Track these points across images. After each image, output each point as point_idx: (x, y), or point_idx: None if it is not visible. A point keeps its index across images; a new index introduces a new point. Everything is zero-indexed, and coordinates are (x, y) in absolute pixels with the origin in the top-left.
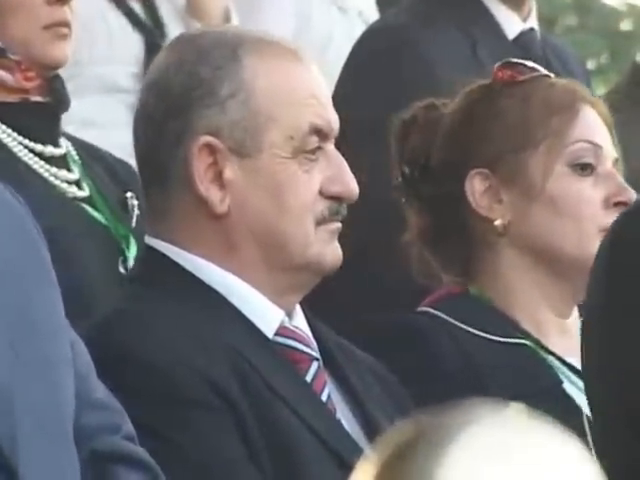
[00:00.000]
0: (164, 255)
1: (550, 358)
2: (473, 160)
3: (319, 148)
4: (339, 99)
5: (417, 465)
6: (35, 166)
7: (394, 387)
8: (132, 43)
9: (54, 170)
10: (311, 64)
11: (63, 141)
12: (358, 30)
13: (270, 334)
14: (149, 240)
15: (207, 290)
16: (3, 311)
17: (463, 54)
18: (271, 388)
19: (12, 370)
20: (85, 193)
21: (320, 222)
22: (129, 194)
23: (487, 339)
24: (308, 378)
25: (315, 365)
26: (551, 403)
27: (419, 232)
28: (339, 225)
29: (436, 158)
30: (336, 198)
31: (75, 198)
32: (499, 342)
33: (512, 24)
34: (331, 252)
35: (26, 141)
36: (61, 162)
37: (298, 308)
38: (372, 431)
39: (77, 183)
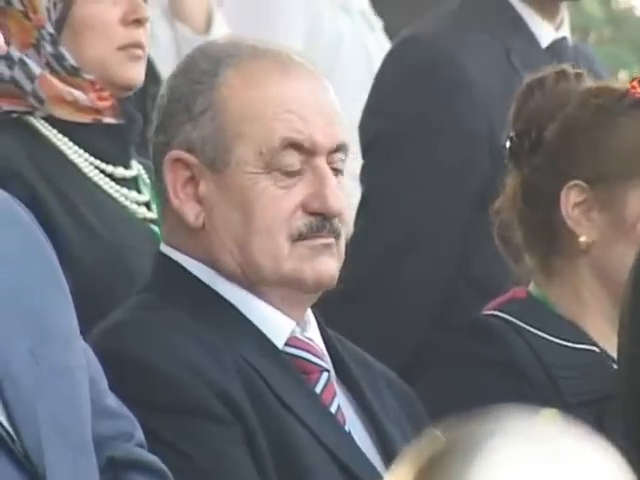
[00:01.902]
0: (177, 264)
1: (615, 367)
2: (579, 168)
3: (305, 163)
4: (371, 109)
5: (449, 473)
6: (105, 187)
7: (410, 399)
8: None
9: (124, 191)
10: (302, 78)
11: (135, 163)
12: (364, 31)
13: (280, 344)
14: (164, 249)
15: (218, 300)
16: (20, 319)
17: (497, 62)
18: (280, 400)
19: (33, 377)
20: (154, 215)
21: (297, 238)
22: None
23: (557, 343)
24: (317, 389)
25: (325, 376)
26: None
27: (514, 202)
28: (327, 241)
29: (548, 143)
30: (320, 214)
31: (145, 219)
32: (569, 347)
33: (545, 33)
34: (312, 268)
35: (97, 162)
36: (132, 184)
37: (312, 319)
38: (384, 443)
39: (147, 205)
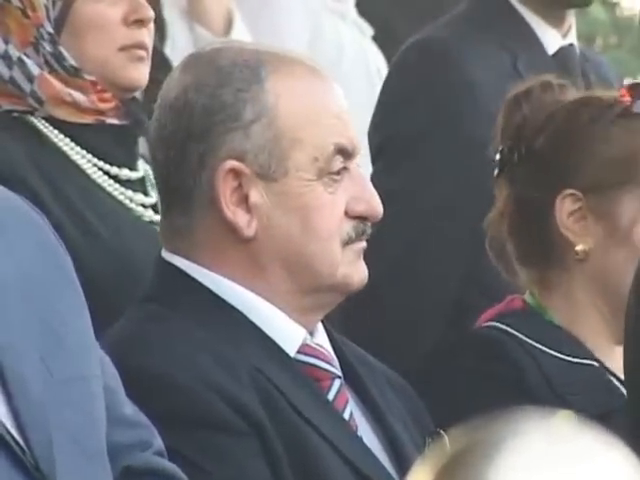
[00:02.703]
0: (182, 272)
1: (615, 381)
2: (572, 178)
3: (344, 168)
4: (381, 114)
5: (469, 474)
6: (110, 189)
7: (413, 401)
8: None
9: (129, 193)
10: (332, 82)
11: (142, 164)
12: (358, 36)
13: (292, 352)
14: (166, 256)
15: (228, 309)
16: (33, 327)
17: (503, 68)
18: (295, 409)
19: (45, 386)
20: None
21: (346, 242)
22: None
23: (557, 357)
24: (330, 396)
25: (337, 383)
26: (623, 424)
27: (504, 212)
28: (364, 244)
29: (539, 154)
30: (361, 218)
31: (151, 222)
32: (571, 362)
33: (552, 40)
34: (357, 272)
35: (101, 163)
36: (138, 185)
37: (320, 325)
38: (392, 446)
39: (154, 207)
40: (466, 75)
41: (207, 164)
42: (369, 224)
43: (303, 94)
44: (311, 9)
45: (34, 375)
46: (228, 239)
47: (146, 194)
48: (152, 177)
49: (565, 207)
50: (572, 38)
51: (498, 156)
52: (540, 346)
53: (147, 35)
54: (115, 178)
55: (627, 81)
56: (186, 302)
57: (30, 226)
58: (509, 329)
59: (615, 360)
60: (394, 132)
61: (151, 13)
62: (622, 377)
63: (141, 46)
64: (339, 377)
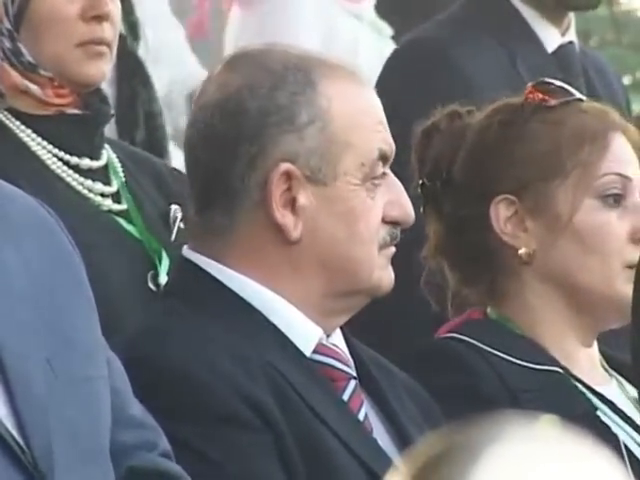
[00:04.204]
0: (202, 269)
1: (580, 386)
2: (499, 184)
3: (383, 173)
4: None
5: (449, 477)
6: (68, 179)
7: (427, 404)
8: None
9: (89, 183)
10: (370, 86)
11: (106, 152)
12: (376, 39)
13: (308, 352)
14: (187, 253)
15: (245, 307)
16: (37, 327)
17: (502, 67)
18: (310, 408)
19: (48, 386)
20: (122, 206)
21: (382, 247)
22: (174, 207)
23: (518, 365)
24: (345, 397)
25: (352, 384)
26: (588, 430)
27: (438, 245)
28: (394, 249)
29: (460, 175)
30: (394, 223)
31: (110, 211)
32: (530, 368)
33: (551, 38)
34: (388, 276)
35: (61, 153)
36: (99, 175)
37: None
38: (406, 449)
39: (115, 196)
40: (464, 75)
41: (258, 166)
42: (399, 229)
43: (352, 99)
44: (324, 9)
45: (38, 376)
46: (271, 241)
47: (108, 182)
48: (117, 166)
49: (500, 214)
50: (571, 35)
51: (420, 190)
52: (499, 354)
53: (107, 30)
54: (75, 168)
55: (626, 79)
56: (204, 299)
57: (41, 227)
58: (467, 338)
59: (582, 365)
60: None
61: (109, 8)
62: (588, 382)
63: (99, 42)
64: (354, 378)
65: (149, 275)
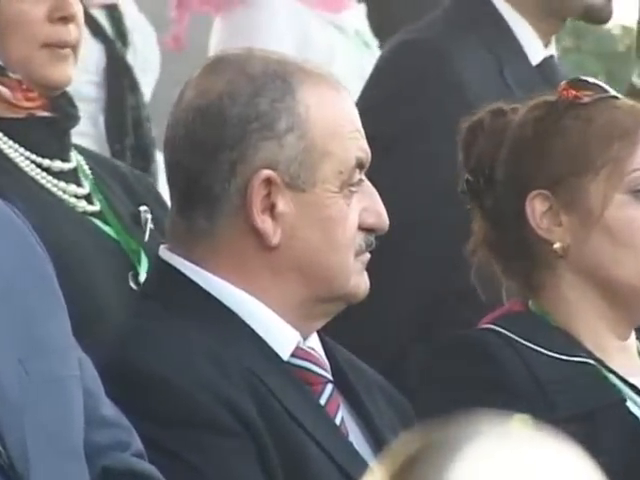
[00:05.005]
0: (180, 272)
1: (612, 377)
2: (535, 179)
3: (360, 180)
4: (363, 112)
5: (423, 477)
6: (42, 181)
7: (401, 404)
8: (93, 52)
9: (62, 185)
10: (347, 93)
11: (74, 155)
12: (358, 50)
13: (285, 356)
14: (164, 255)
15: (223, 310)
16: (8, 328)
17: (490, 72)
18: (287, 411)
19: (22, 387)
20: (96, 208)
21: (358, 253)
22: (143, 208)
23: (550, 356)
24: (322, 401)
25: (329, 388)
26: (615, 421)
27: (484, 239)
28: (369, 256)
29: (500, 171)
30: (369, 229)
31: (85, 212)
32: (562, 360)
33: (535, 49)
34: (364, 282)
35: (33, 156)
36: (70, 176)
37: None
38: (382, 451)
39: (88, 197)
40: (456, 75)
41: (238, 172)
42: (374, 236)
43: (330, 106)
44: (298, 17)
45: (11, 377)
46: (251, 246)
47: (79, 185)
48: (85, 168)
49: (536, 208)
50: (552, 49)
51: (465, 187)
52: (531, 345)
53: (73, 32)
54: (48, 170)
55: None
56: (183, 302)
57: (9, 229)
58: (501, 330)
59: (616, 356)
60: (375, 131)
61: (75, 10)
62: (622, 375)
63: (64, 44)
64: (331, 382)
65: (130, 275)
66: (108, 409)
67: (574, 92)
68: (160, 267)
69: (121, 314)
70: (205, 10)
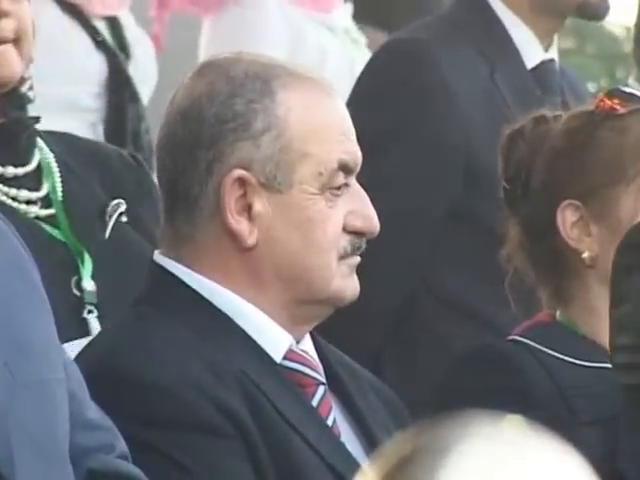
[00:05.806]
0: (173, 275)
1: None
2: (568, 189)
3: (345, 184)
4: (351, 111)
5: (414, 478)
6: None
7: (394, 403)
8: (95, 63)
9: (13, 192)
10: (337, 97)
11: (39, 154)
12: (348, 49)
13: (278, 358)
14: (158, 258)
15: (216, 313)
16: None
17: (480, 76)
18: (279, 413)
19: (7, 390)
20: (49, 211)
21: (342, 257)
22: (115, 202)
23: (572, 363)
24: (314, 402)
25: (321, 389)
26: None
27: (519, 246)
28: (359, 259)
29: (536, 179)
30: (357, 233)
31: (37, 217)
32: (584, 366)
33: (532, 53)
34: (351, 286)
35: None
36: (26, 180)
37: None
38: (375, 452)
39: (44, 200)
40: (441, 77)
41: (214, 172)
42: (364, 239)
43: (313, 109)
44: (290, 18)
45: None
46: (230, 247)
47: (36, 187)
48: (52, 164)
49: (567, 218)
50: (553, 53)
51: (503, 193)
52: (555, 353)
53: (7, 27)
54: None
55: (591, 86)
56: (175, 305)
57: None
58: (527, 341)
59: None
60: (361, 131)
61: (5, 7)
62: None
63: (1, 40)
64: (323, 384)
65: (72, 281)
66: (93, 412)
67: (610, 103)
68: (154, 271)
69: (62, 321)
70: (193, 11)
